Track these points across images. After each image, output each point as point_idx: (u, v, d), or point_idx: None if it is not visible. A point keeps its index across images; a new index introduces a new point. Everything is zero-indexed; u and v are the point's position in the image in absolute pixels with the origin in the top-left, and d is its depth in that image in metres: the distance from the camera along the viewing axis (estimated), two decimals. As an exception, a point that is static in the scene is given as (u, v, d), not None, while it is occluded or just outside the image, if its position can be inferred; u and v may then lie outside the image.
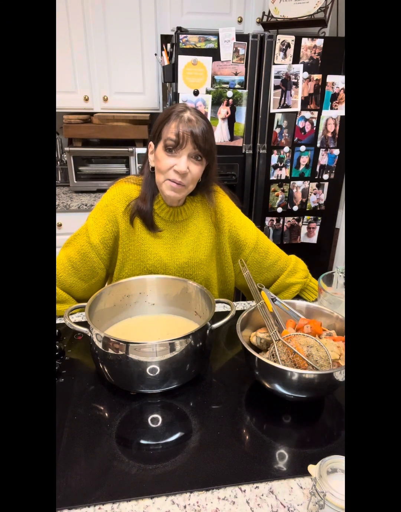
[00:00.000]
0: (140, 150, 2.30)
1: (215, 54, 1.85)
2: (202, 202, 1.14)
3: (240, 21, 2.14)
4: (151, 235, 1.10)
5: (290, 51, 1.88)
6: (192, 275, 1.14)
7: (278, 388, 0.76)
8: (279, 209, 2.20)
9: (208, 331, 0.85)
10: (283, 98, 1.97)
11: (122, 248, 1.10)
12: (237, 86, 1.93)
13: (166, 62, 1.97)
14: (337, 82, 1.97)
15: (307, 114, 2.01)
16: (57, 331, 1.00)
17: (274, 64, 1.90)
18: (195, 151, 0.97)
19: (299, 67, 1.92)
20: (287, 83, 1.94)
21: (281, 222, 2.25)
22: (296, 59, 1.90)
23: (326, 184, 2.19)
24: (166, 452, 0.71)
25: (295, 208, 2.22)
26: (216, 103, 1.94)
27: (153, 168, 1.05)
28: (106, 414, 0.79)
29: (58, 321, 1.08)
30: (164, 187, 1.02)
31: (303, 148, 2.08)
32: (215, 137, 1.03)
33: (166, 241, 1.11)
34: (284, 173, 2.12)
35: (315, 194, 2.20)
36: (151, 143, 1.04)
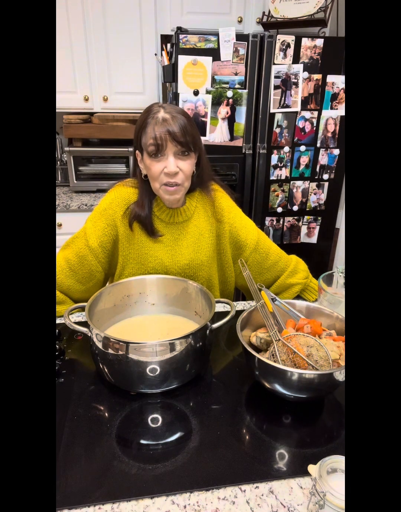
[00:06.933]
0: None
1: (215, 54, 1.85)
2: (202, 203, 1.14)
3: (240, 21, 2.14)
4: (151, 238, 1.10)
5: (290, 51, 1.88)
6: (194, 276, 1.14)
7: (278, 388, 0.76)
8: (279, 209, 2.20)
9: (208, 331, 0.85)
10: (283, 98, 1.97)
11: (122, 251, 1.10)
12: (237, 86, 1.93)
13: (166, 62, 1.97)
14: (337, 82, 1.97)
15: (307, 114, 2.01)
16: (57, 331, 1.00)
17: (274, 64, 1.90)
18: (179, 148, 0.96)
19: (299, 67, 1.92)
20: (287, 83, 1.94)
21: (281, 222, 2.25)
22: (296, 59, 1.90)
23: (326, 184, 2.18)
24: (166, 452, 0.71)
25: (295, 208, 2.22)
26: (216, 103, 1.94)
27: (146, 175, 1.05)
28: (106, 414, 0.79)
29: (57, 321, 1.08)
30: (162, 193, 1.02)
31: (303, 148, 2.08)
32: (197, 128, 1.01)
33: (167, 244, 1.11)
34: (284, 173, 2.12)
35: (315, 194, 2.20)
36: (138, 152, 1.04)
